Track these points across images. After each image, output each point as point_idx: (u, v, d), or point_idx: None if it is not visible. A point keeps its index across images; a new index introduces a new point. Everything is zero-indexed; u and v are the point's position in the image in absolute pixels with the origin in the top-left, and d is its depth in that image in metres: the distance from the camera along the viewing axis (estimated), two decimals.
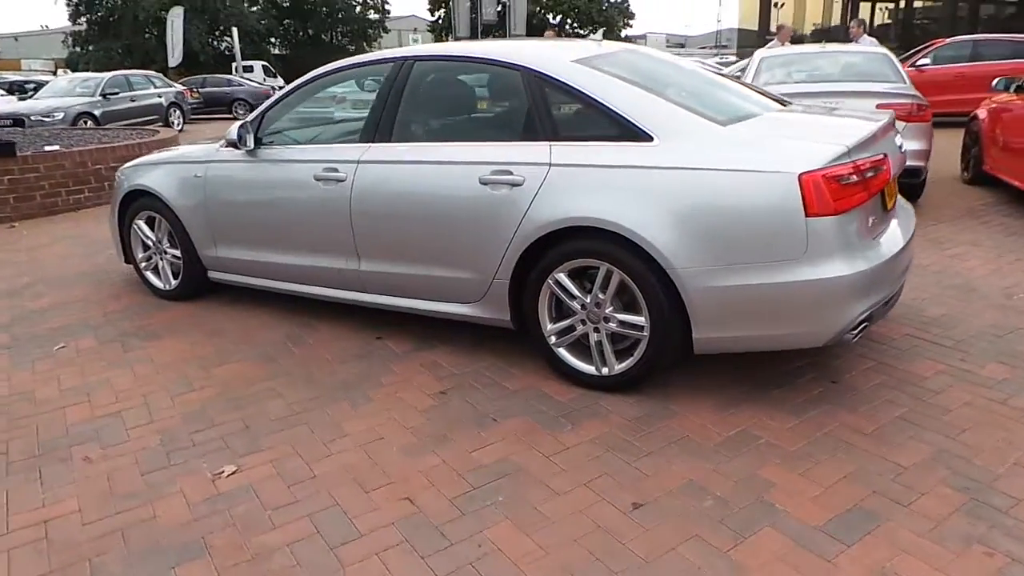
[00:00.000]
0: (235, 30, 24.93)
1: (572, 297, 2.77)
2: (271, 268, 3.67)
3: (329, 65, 3.55)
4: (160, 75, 16.29)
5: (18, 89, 21.69)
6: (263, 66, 29.50)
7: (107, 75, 14.63)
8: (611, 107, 2.68)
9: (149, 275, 4.25)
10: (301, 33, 40.76)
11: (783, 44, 8.52)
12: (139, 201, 4.10)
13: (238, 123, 3.55)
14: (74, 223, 6.50)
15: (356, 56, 3.63)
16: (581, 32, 42.16)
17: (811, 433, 2.48)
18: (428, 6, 43.13)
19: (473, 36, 25.00)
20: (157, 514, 2.21)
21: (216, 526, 2.14)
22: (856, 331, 2.49)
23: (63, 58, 39.42)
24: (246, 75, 24.11)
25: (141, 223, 4.15)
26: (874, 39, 8.64)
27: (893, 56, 6.20)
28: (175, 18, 24.49)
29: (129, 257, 4.31)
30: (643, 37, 52.17)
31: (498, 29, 27.98)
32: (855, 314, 2.43)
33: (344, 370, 3.16)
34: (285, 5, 40.15)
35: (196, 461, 2.49)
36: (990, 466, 2.25)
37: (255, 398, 2.93)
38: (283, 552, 2.01)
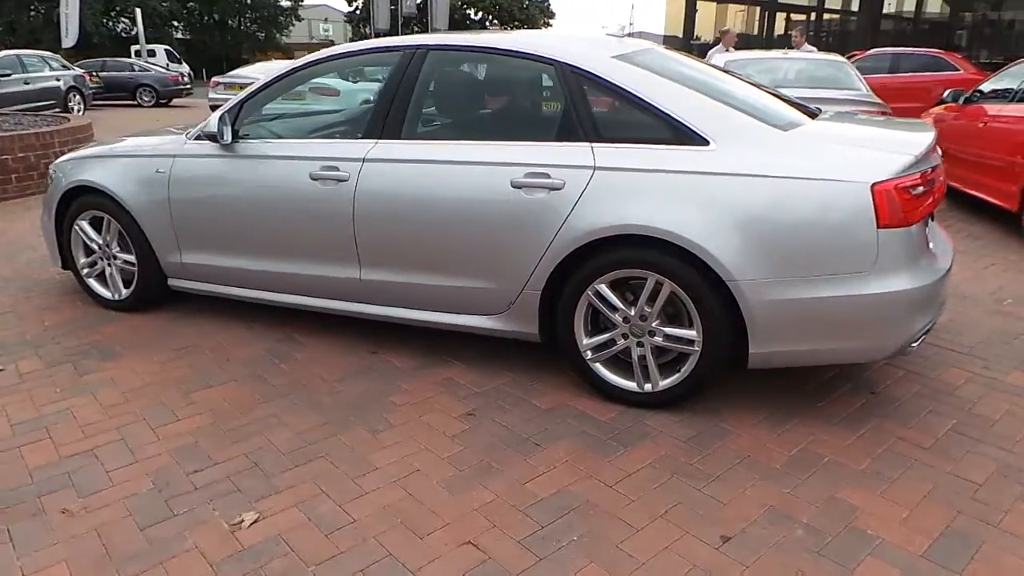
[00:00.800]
0: (139, 11, 23.13)
1: (614, 309, 2.58)
2: (250, 276, 3.27)
3: (322, 52, 3.17)
4: (57, 56, 14.82)
5: None
6: (166, 50, 27.52)
7: None
8: (661, 108, 2.50)
9: (93, 283, 3.73)
10: (207, 18, 38.50)
11: (727, 50, 8.57)
12: (82, 199, 3.58)
13: (216, 114, 3.13)
14: None
15: (354, 43, 3.25)
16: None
17: (872, 450, 2.40)
18: None
19: (393, 29, 24.33)
20: None
21: None
22: (916, 344, 2.43)
23: None
24: (149, 60, 22.42)
25: (84, 224, 3.63)
26: (813, 47, 8.90)
27: (851, 64, 6.38)
28: None
29: (67, 262, 3.78)
30: None
31: (418, 23, 27.37)
32: (918, 327, 2.37)
33: (346, 389, 2.84)
34: None
35: (204, 509, 2.12)
36: None
37: (255, 427, 2.57)
38: None
